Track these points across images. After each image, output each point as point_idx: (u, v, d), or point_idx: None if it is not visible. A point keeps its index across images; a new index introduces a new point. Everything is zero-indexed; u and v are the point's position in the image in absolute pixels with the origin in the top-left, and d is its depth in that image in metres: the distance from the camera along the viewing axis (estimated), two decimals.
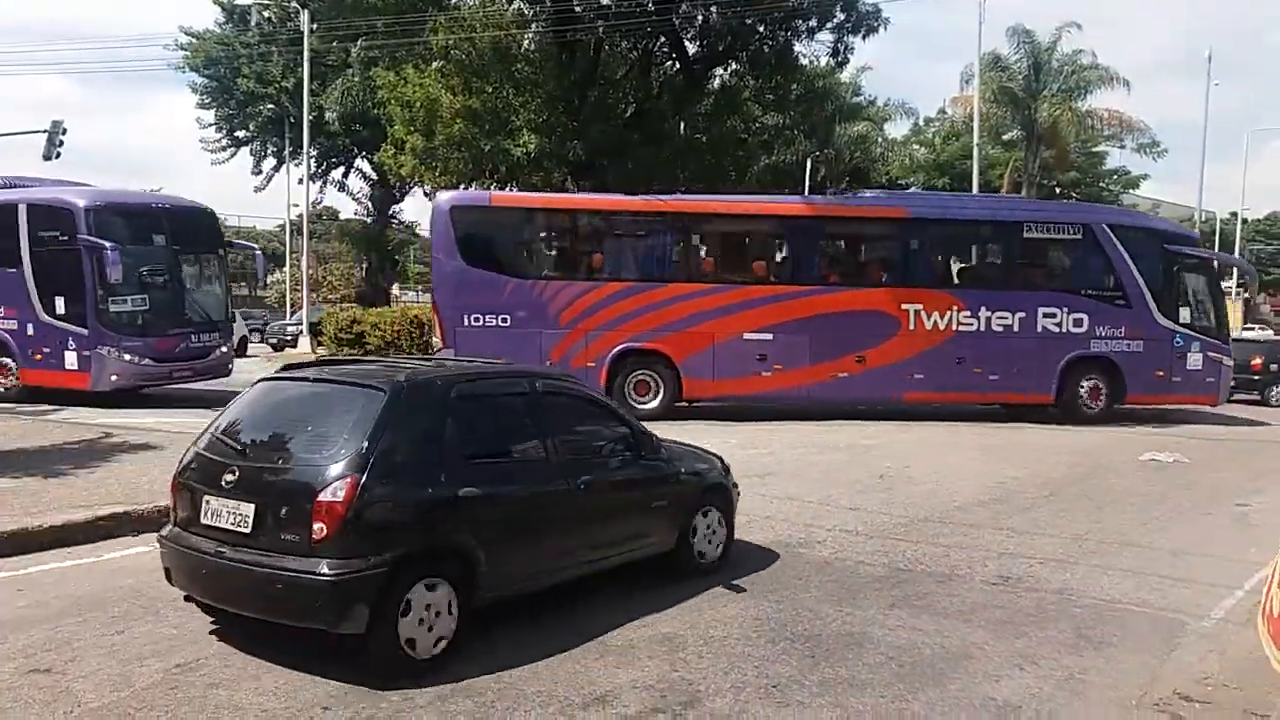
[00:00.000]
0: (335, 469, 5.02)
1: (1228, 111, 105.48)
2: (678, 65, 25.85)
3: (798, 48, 25.18)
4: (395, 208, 46.01)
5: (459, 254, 16.04)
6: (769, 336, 16.20)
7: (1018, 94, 35.06)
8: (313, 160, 39.57)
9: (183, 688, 4.86)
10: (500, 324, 15.83)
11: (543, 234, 17.40)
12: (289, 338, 36.13)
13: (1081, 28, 35.70)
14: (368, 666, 5.00)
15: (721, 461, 7.70)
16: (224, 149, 43.76)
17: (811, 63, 26.85)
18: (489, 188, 24.90)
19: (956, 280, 17.14)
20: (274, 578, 4.96)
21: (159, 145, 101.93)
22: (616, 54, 26.12)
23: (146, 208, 17.23)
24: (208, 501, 5.35)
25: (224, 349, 17.51)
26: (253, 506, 5.14)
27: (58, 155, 28.57)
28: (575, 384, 7.01)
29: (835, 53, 25.10)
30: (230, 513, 5.22)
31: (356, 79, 29.55)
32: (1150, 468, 12.50)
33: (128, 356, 15.77)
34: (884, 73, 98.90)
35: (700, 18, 24.26)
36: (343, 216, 58.51)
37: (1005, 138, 39.51)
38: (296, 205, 46.65)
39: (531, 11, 24.45)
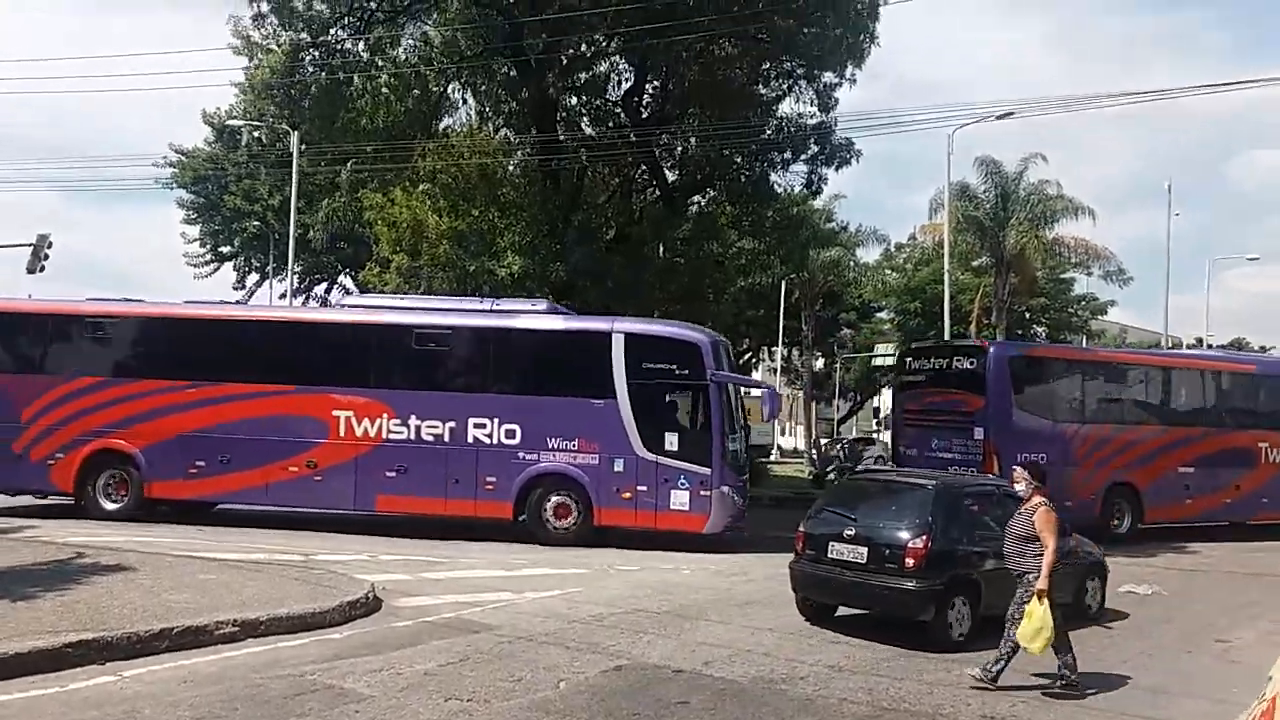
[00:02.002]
0: (915, 530, 9.33)
1: (1190, 238, 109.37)
2: (658, 192, 26.65)
3: (773, 177, 25.99)
4: None
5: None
6: None
7: (985, 223, 36.24)
8: (296, 276, 40.01)
9: None
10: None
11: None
12: None
13: (1047, 160, 37.15)
14: (925, 640, 9.17)
15: (1100, 549, 11.44)
16: (208, 263, 44.25)
17: (786, 191, 27.75)
18: None
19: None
20: (882, 587, 9.31)
21: (135, 257, 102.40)
22: (599, 180, 26.93)
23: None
24: (833, 545, 9.70)
25: None
26: (866, 549, 9.43)
27: (42, 268, 28.76)
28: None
29: (809, 183, 25.98)
30: (850, 551, 9.54)
31: (344, 199, 30.16)
32: (1129, 600, 12.50)
33: (736, 496, 15.37)
34: (857, 198, 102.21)
35: (679, 148, 25.16)
36: None
37: (975, 264, 40.65)
38: None
39: (517, 140, 25.31)
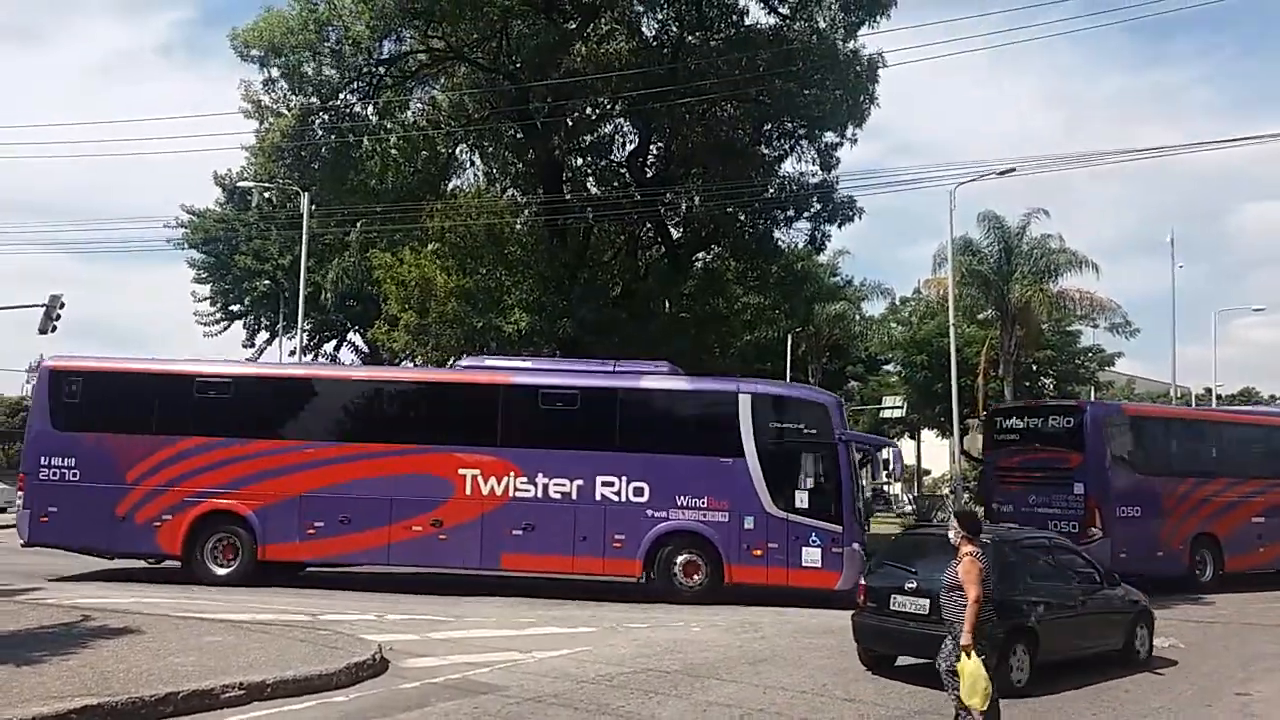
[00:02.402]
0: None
1: (1193, 290, 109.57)
2: (663, 249, 26.94)
3: (777, 234, 26.26)
4: None
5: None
6: None
7: (989, 276, 36.37)
8: (306, 334, 40.31)
9: None
10: None
11: None
12: None
13: (1049, 214, 37.32)
14: None
15: (1146, 596, 11.99)
16: (217, 322, 44.61)
17: (790, 247, 27.99)
18: None
19: None
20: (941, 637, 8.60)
21: (145, 316, 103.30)
22: (604, 238, 27.22)
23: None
24: (894, 598, 10.21)
25: None
26: (928, 601, 9.41)
27: (54, 329, 29.00)
28: (1067, 542, 12.22)
29: (813, 239, 26.24)
30: (913, 604, 9.96)
31: (353, 259, 30.50)
32: None
33: (864, 553, 15.30)
34: (861, 252, 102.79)
35: (684, 206, 25.44)
36: None
37: (980, 317, 40.73)
38: None
39: (525, 199, 25.68)
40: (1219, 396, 51.28)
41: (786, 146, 25.59)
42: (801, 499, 15.65)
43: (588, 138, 25.84)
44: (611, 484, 15.86)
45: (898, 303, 49.27)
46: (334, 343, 45.25)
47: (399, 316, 23.88)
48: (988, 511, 19.84)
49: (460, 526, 15.85)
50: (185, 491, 16.02)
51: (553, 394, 16.50)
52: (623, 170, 26.24)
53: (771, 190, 24.99)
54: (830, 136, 24.82)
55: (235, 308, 44.47)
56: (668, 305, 26.53)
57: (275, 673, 8.91)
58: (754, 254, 26.11)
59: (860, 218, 25.33)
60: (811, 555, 15.36)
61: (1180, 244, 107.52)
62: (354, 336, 43.99)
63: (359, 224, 28.45)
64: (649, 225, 26.38)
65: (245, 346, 44.65)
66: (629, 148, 25.97)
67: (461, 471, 15.98)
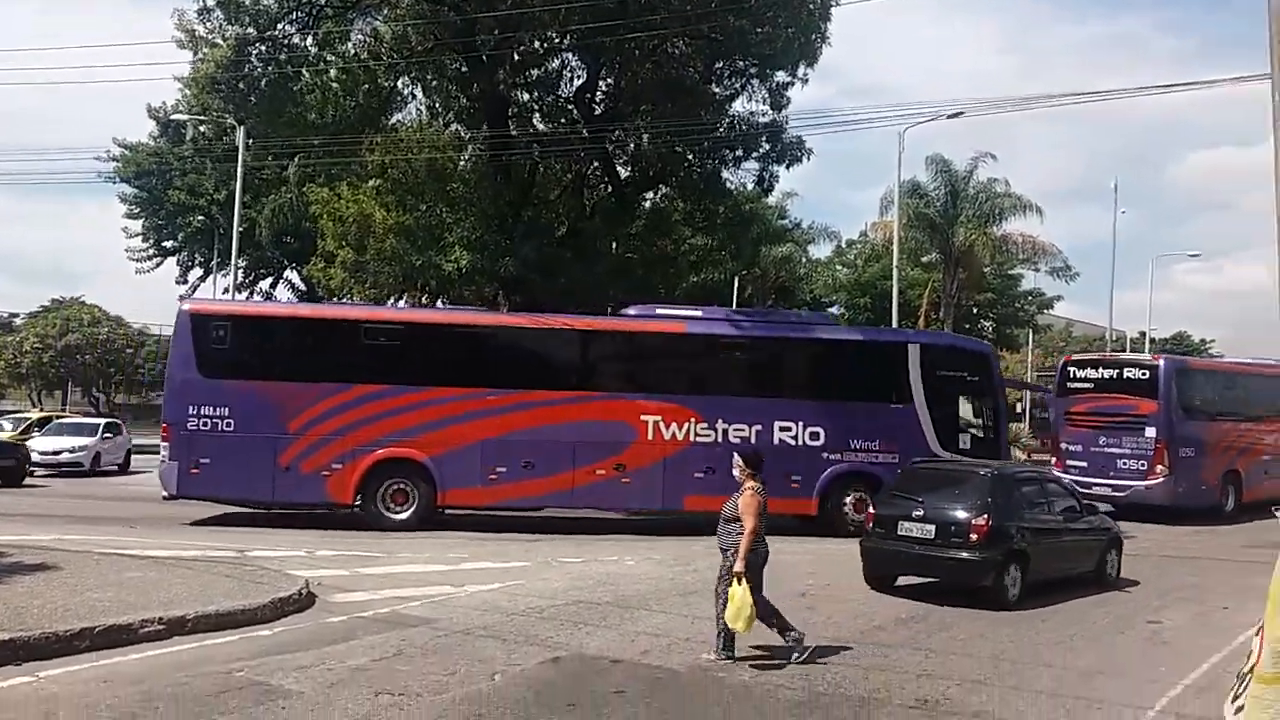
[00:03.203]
0: (978, 510, 10.90)
1: (1135, 235, 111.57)
2: (610, 188, 26.60)
3: (725, 174, 26.07)
4: None
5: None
6: None
7: (935, 219, 36.67)
8: (241, 270, 39.39)
9: None
10: None
11: None
12: None
13: (996, 158, 37.72)
14: (982, 600, 10.73)
15: (1117, 526, 13.39)
16: (150, 258, 43.45)
17: (739, 188, 27.84)
18: (420, 301, 25.02)
19: None
20: (949, 558, 10.89)
21: (74, 250, 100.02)
22: (551, 176, 26.81)
23: None
24: (902, 524, 11.19)
25: None
26: (934, 526, 10.96)
27: None
28: (1055, 475, 14.42)
29: (761, 180, 26.09)
30: (919, 529, 11.06)
31: (290, 194, 29.72)
32: (1066, 585, 12.64)
33: None
34: (809, 195, 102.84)
35: (632, 145, 25.08)
36: None
37: (924, 260, 41.10)
38: None
39: (468, 135, 25.07)
40: (1153, 340, 52.54)
41: (737, 85, 25.25)
42: (964, 441, 17.02)
43: (534, 72, 25.27)
44: (789, 429, 16.76)
45: (844, 245, 49.53)
46: (270, 280, 44.34)
47: (336, 253, 23.37)
48: (1056, 451, 22.07)
49: (643, 470, 16.45)
50: (358, 439, 15.82)
51: (732, 343, 17.47)
52: (570, 107, 25.75)
53: (721, 129, 24.70)
54: (781, 75, 24.55)
55: (168, 244, 43.30)
56: (615, 246, 26.32)
57: (197, 607, 8.77)
58: (702, 194, 25.92)
59: (809, 159, 25.26)
60: None
61: (1123, 191, 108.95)
62: (291, 274, 43.10)
63: (296, 159, 27.67)
64: (596, 163, 26.00)
65: (179, 284, 43.64)
66: (577, 83, 25.49)
67: (643, 417, 16.51)
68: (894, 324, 30.13)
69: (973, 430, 17.31)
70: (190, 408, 15.61)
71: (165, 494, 16.01)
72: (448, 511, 16.52)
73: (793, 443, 16.71)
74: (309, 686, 7.02)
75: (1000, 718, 6.83)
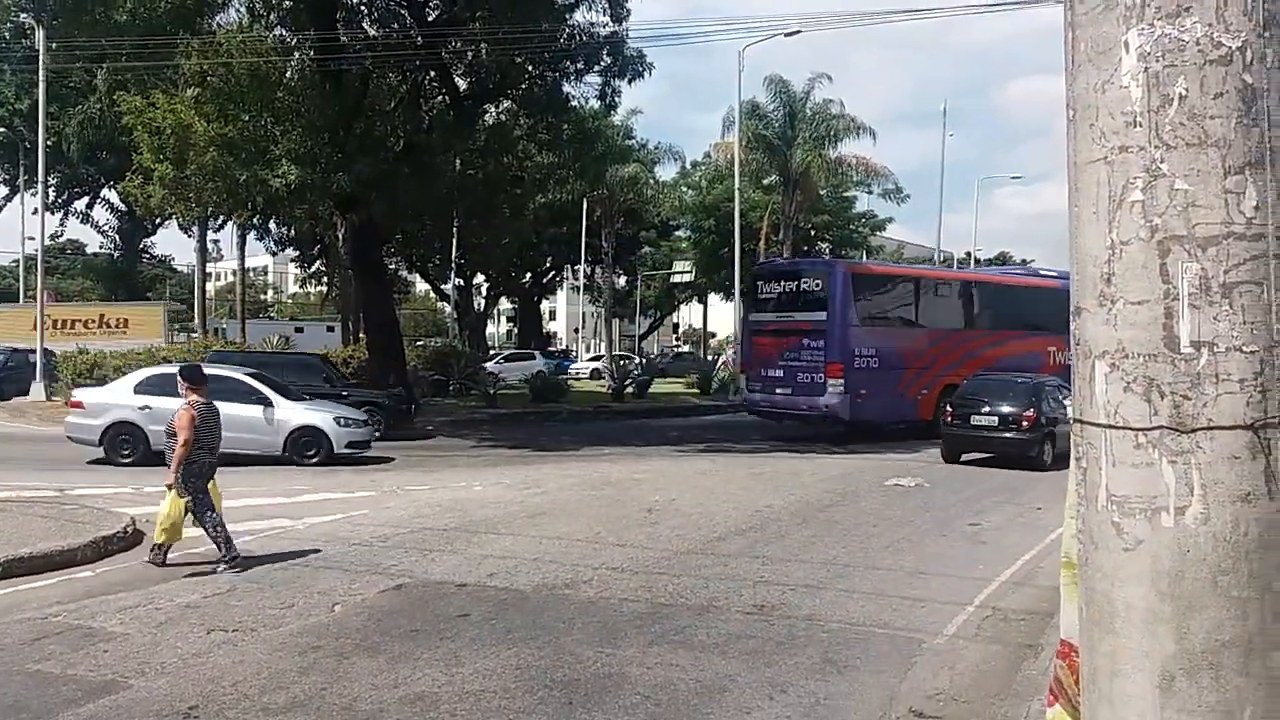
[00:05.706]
0: (1026, 405, 16.45)
1: (963, 160, 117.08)
2: (448, 100, 25.57)
3: (567, 89, 25.52)
4: (146, 241, 42.68)
5: None
6: None
7: (774, 141, 37.20)
8: (51, 190, 36.06)
9: None
10: None
11: None
12: None
13: (832, 79, 38.57)
14: (1028, 465, 15.85)
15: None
16: None
17: (582, 105, 27.36)
18: (247, 220, 23.61)
19: None
20: (1009, 438, 16.36)
21: None
22: (384, 86, 25.51)
23: None
24: (973, 416, 16.60)
25: None
26: (997, 418, 16.44)
27: None
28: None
29: (603, 95, 25.67)
30: (987, 420, 16.50)
31: (100, 104, 27.20)
32: (894, 493, 13.47)
33: None
34: (656, 117, 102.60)
35: (470, 54, 24.10)
36: (89, 250, 53.78)
37: (765, 182, 41.79)
38: (32, 238, 42.18)
39: (294, 40, 23.45)
40: (977, 260, 55.67)
41: None
42: None
43: None
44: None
45: (689, 167, 49.78)
46: (86, 200, 40.81)
47: (154, 169, 21.58)
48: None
49: None
50: (935, 371, 20.86)
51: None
52: (403, 11, 24.43)
53: (562, 39, 24.05)
54: None
55: None
56: (457, 163, 25.46)
57: (9, 550, 8.20)
58: (544, 108, 25.25)
59: (650, 74, 25.03)
60: None
61: (952, 116, 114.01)
62: (110, 194, 39.74)
63: (106, 64, 25.25)
64: (432, 74, 24.88)
65: None
66: None
67: (1049, 349, 22.01)
68: (737, 246, 30.71)
69: None
70: (855, 349, 20.09)
71: (843, 419, 19.96)
72: None
73: None
74: (134, 628, 6.69)
75: (832, 619, 7.21)
